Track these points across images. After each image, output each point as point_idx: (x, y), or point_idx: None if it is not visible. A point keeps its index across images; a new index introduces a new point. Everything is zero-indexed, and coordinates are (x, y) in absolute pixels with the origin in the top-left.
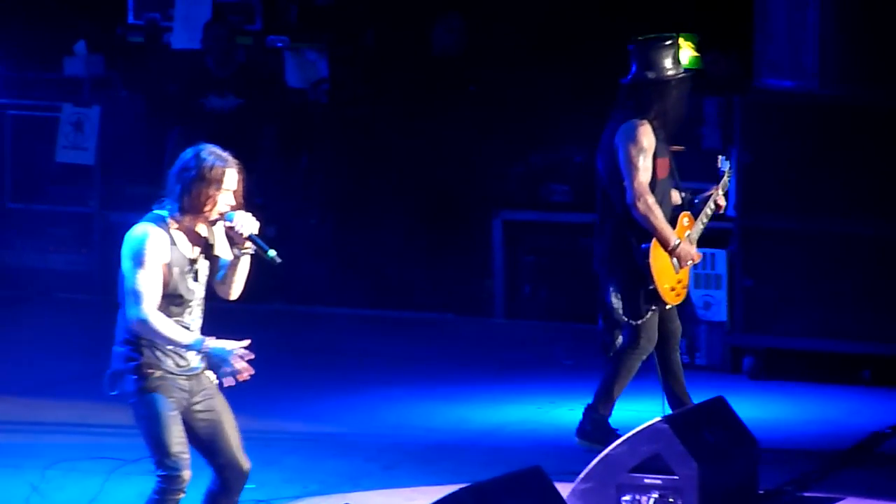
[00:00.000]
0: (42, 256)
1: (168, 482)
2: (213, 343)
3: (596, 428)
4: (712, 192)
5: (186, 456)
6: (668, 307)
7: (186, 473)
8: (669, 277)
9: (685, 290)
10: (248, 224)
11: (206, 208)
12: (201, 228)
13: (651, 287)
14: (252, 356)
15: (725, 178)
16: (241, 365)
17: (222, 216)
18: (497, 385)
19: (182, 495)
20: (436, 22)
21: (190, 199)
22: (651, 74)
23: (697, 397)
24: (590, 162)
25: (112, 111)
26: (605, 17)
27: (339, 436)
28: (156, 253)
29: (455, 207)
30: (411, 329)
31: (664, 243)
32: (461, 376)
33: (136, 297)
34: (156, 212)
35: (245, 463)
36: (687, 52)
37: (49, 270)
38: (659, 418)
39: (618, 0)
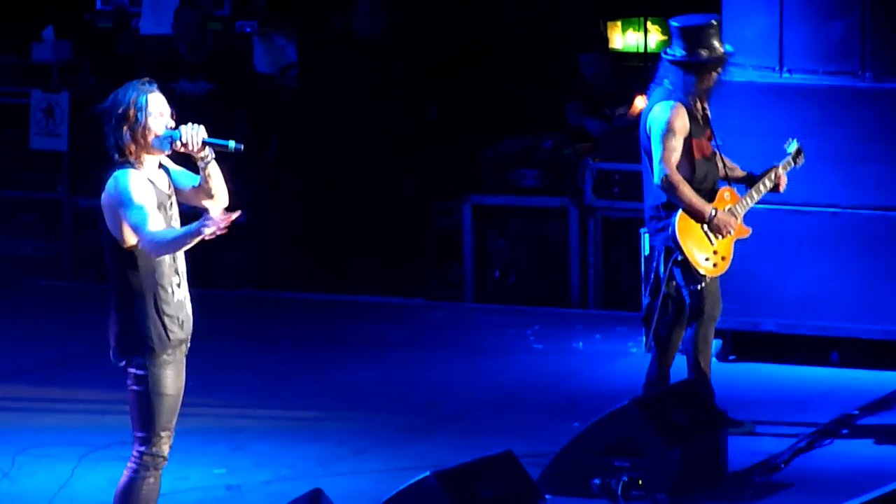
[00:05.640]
0: (11, 243)
1: (150, 459)
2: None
3: None
4: (771, 169)
5: (171, 435)
6: (708, 279)
7: (166, 450)
8: (704, 248)
9: (725, 262)
10: (195, 133)
11: (150, 138)
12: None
13: (680, 258)
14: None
15: (789, 159)
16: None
17: (172, 140)
18: (467, 369)
19: (158, 473)
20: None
21: (140, 135)
22: (704, 53)
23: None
24: (558, 146)
25: (80, 97)
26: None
27: (309, 421)
28: (142, 188)
29: (425, 192)
30: (381, 313)
31: (698, 215)
32: (431, 360)
33: (140, 225)
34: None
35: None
36: (655, 36)
37: (18, 256)
38: (628, 401)
39: None
